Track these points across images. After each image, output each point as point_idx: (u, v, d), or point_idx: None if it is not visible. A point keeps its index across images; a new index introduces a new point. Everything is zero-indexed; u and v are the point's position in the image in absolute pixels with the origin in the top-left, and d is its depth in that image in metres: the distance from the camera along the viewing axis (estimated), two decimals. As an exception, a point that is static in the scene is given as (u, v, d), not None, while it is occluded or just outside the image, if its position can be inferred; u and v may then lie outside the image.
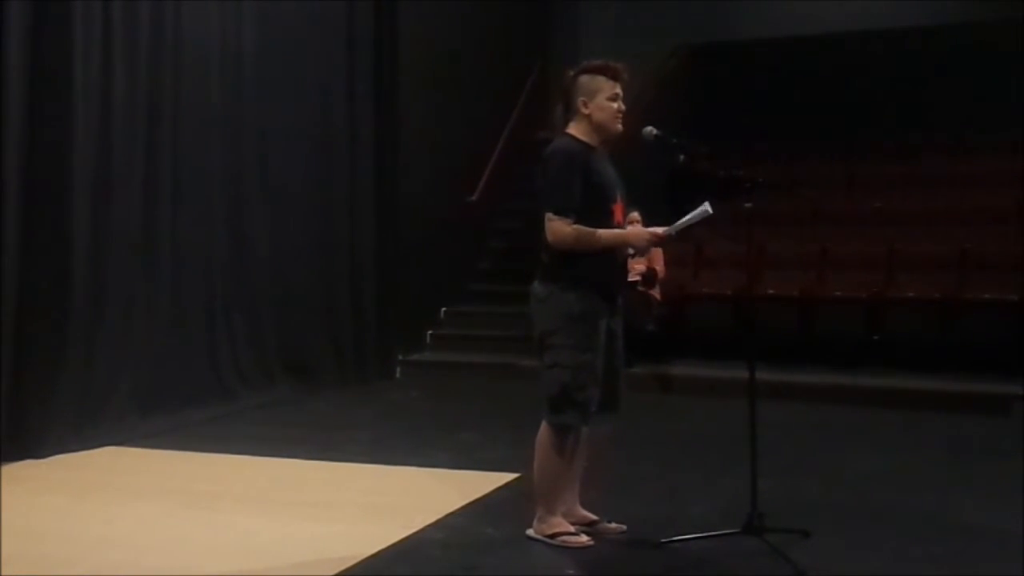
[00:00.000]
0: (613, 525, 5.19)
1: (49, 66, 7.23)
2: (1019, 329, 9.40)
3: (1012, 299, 9.52)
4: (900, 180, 12.30)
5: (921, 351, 9.63)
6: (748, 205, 5.06)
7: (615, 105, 4.97)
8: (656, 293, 10.07)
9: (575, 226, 4.78)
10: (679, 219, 4.99)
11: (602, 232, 4.81)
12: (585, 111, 4.94)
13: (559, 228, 4.79)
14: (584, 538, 4.98)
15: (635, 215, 8.81)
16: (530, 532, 5.04)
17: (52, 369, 7.20)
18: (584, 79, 4.97)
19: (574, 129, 4.97)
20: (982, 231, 10.72)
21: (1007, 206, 11.07)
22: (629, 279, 8.28)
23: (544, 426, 4.94)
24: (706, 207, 4.88)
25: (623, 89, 5.01)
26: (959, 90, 12.93)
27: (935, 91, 13.07)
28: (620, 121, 4.98)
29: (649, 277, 9.92)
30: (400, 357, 10.99)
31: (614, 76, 4.99)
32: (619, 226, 4.99)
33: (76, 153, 7.38)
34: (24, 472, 6.50)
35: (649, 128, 5.05)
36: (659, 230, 5.04)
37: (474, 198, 12.35)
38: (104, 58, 7.68)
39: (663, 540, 4.97)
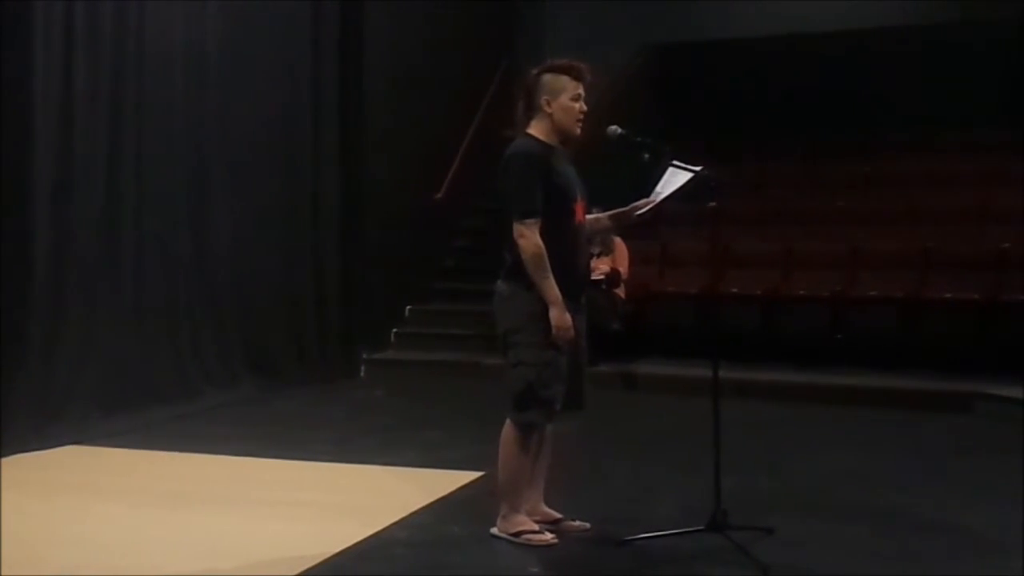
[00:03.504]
0: (577, 523, 5.19)
1: (10, 65, 7.18)
2: (980, 327, 9.49)
3: (973, 298, 9.61)
4: (863, 179, 12.37)
5: (884, 349, 9.70)
6: (713, 204, 5.07)
7: (577, 106, 4.96)
8: (620, 292, 10.09)
9: (541, 250, 4.75)
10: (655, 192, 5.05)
11: (552, 284, 4.75)
12: (548, 110, 4.92)
13: (531, 238, 4.77)
14: (548, 536, 4.98)
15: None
16: (494, 530, 5.04)
17: (12, 367, 7.15)
18: (548, 78, 4.96)
19: (535, 129, 4.96)
20: (944, 230, 10.79)
21: (969, 206, 11.15)
22: (593, 278, 8.33)
23: (508, 424, 4.94)
24: (678, 172, 4.93)
25: (586, 90, 5.01)
26: (922, 90, 13.01)
27: (898, 91, 13.15)
28: (581, 123, 4.97)
29: (613, 277, 9.94)
30: (364, 356, 10.96)
31: (578, 76, 4.97)
32: (580, 225, 4.99)
33: (37, 151, 7.35)
34: (-16, 471, 6.44)
35: (613, 127, 5.06)
36: (641, 202, 5.07)
37: (439, 196, 12.33)
38: (66, 57, 7.65)
39: (627, 538, 4.98)
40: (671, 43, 14.19)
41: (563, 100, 4.92)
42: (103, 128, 8.04)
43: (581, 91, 4.96)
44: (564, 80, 4.94)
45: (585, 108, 4.98)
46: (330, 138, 10.53)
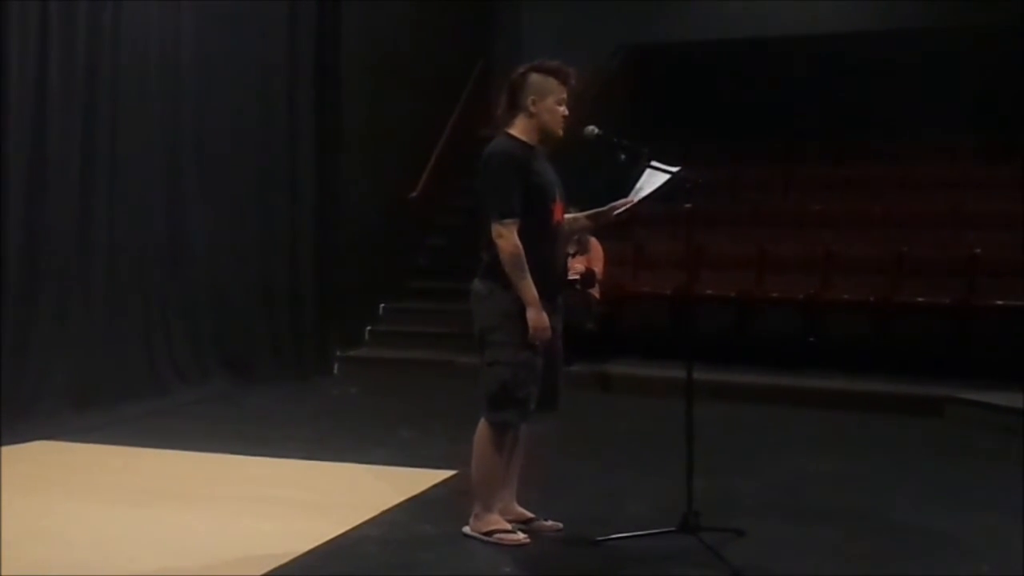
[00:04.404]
0: (550, 523, 5.19)
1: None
2: (951, 332, 9.53)
3: (945, 302, 9.65)
4: (838, 183, 12.43)
5: (856, 353, 9.73)
6: (688, 205, 5.08)
7: (561, 109, 4.96)
8: (595, 292, 10.09)
9: (520, 250, 4.75)
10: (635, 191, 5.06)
11: (530, 284, 4.75)
12: (533, 110, 4.92)
13: (509, 238, 4.77)
14: (521, 536, 4.98)
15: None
16: (467, 529, 5.03)
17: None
18: (536, 78, 4.95)
19: (516, 128, 4.95)
20: (917, 235, 10.85)
21: (942, 210, 11.22)
22: (569, 278, 8.32)
23: (482, 423, 4.94)
24: (656, 172, 4.95)
25: (569, 95, 5.01)
26: (897, 95, 13.08)
27: (873, 95, 13.23)
28: (563, 126, 4.98)
29: (588, 277, 9.93)
30: (338, 353, 10.94)
31: (565, 80, 4.97)
32: (558, 225, 4.99)
33: (10, 149, 7.33)
34: (-47, 466, 6.39)
35: (591, 127, 5.06)
36: (620, 203, 5.08)
37: (415, 195, 12.33)
38: (40, 55, 7.63)
39: (599, 538, 4.99)
40: (647, 44, 14.22)
41: (549, 102, 4.92)
42: (77, 126, 8.02)
43: (565, 95, 4.96)
44: (552, 83, 4.94)
45: (567, 113, 4.98)
46: (306, 136, 10.49)
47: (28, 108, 7.54)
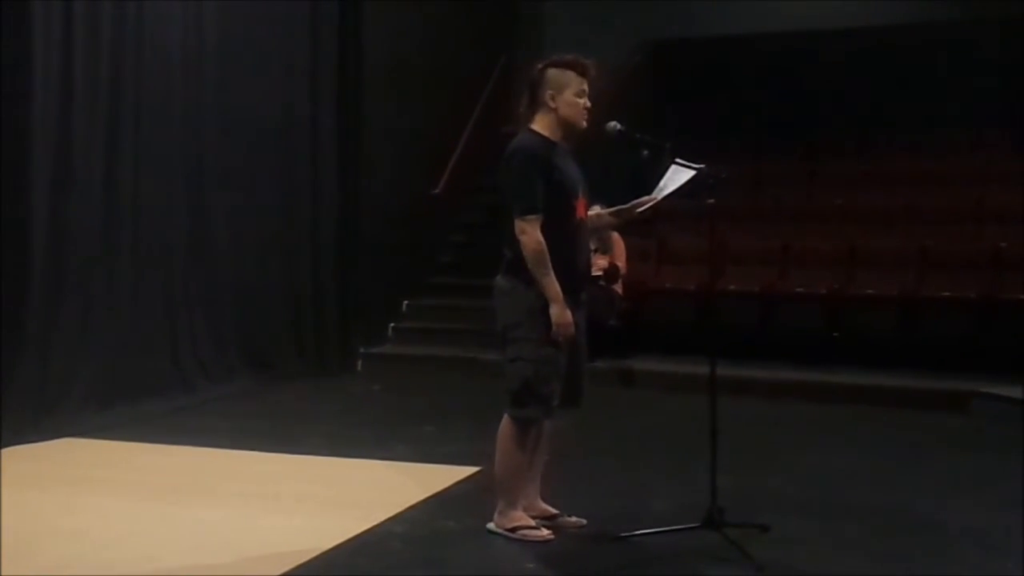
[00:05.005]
0: (573, 519, 5.19)
1: (9, 62, 7.19)
2: (976, 326, 9.49)
3: (970, 296, 9.61)
4: (861, 178, 12.37)
5: (881, 348, 9.70)
6: (711, 201, 5.07)
7: (582, 101, 4.96)
8: (618, 288, 10.08)
9: (543, 247, 4.74)
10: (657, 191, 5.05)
11: (553, 281, 4.74)
12: (552, 105, 4.92)
13: (532, 234, 4.76)
14: (545, 532, 4.98)
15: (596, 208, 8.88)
16: (491, 526, 5.04)
17: (9, 359, 7.14)
18: (553, 72, 4.95)
19: (538, 124, 4.95)
20: (941, 229, 10.80)
21: (966, 205, 11.16)
22: (592, 274, 8.32)
23: (506, 419, 4.94)
24: (680, 170, 4.94)
25: (590, 86, 5.00)
26: (920, 89, 13.02)
27: (897, 90, 13.15)
28: (586, 118, 4.98)
29: (612, 273, 9.94)
30: (362, 350, 10.96)
31: (583, 72, 4.97)
32: (581, 222, 4.99)
33: (36, 146, 7.35)
34: (-20, 463, 6.42)
35: (613, 123, 5.05)
36: (644, 199, 5.07)
37: (437, 191, 12.33)
38: (65, 55, 7.67)
39: (623, 534, 4.99)
40: (670, 39, 14.18)
41: (568, 95, 4.92)
42: (101, 124, 8.04)
43: (586, 87, 4.96)
44: (570, 75, 4.93)
45: (589, 104, 4.97)
46: (328, 134, 10.51)
47: (52, 108, 7.56)
